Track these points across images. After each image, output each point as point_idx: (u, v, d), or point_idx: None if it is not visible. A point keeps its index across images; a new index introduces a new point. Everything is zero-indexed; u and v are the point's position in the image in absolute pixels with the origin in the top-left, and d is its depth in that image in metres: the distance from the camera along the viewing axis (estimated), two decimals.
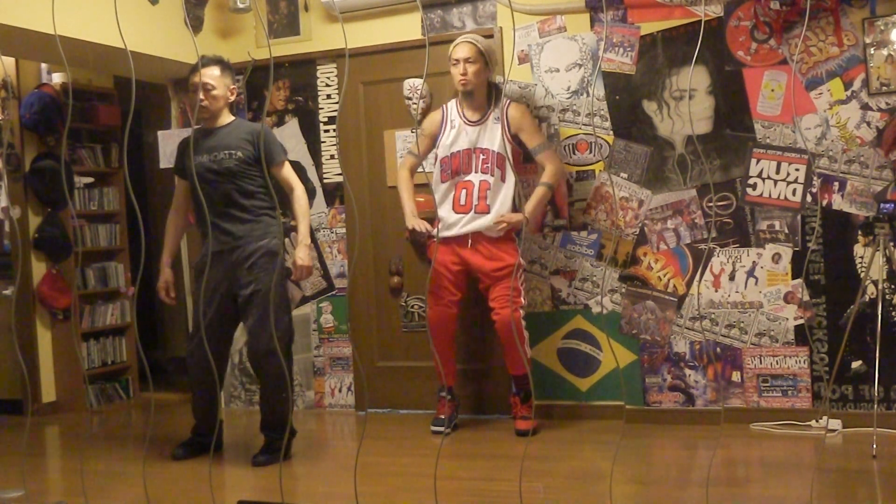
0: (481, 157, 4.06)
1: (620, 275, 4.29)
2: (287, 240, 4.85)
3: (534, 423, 4.04)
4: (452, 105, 4.20)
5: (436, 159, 4.20)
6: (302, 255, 3.82)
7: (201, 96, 3.76)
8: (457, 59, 4.04)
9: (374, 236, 4.79)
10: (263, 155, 3.73)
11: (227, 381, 5.09)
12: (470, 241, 4.05)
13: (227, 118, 3.90)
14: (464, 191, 4.07)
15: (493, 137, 4.04)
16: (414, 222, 4.15)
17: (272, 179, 3.87)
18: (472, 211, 4.05)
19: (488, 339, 4.48)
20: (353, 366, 4.82)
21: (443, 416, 4.19)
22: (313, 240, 4.87)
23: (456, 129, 4.12)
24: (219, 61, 3.87)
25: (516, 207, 4.05)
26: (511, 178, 4.03)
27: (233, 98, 3.92)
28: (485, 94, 4.12)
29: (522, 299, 4.10)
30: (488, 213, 4.03)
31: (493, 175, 4.04)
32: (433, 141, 4.22)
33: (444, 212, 4.10)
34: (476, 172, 4.06)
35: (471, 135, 4.09)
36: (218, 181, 3.77)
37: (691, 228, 4.17)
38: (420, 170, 4.49)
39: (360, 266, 4.81)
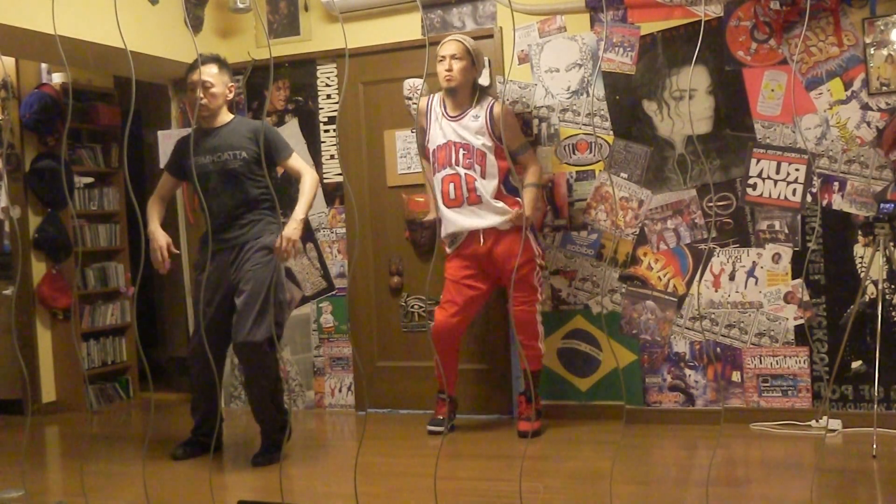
0: (462, 151, 4.02)
1: (620, 275, 4.28)
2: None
3: (536, 425, 4.04)
4: (436, 99, 4.16)
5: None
6: (289, 228, 3.69)
7: (200, 94, 3.73)
8: (443, 56, 4.03)
9: (374, 236, 4.79)
10: (266, 152, 3.70)
11: (227, 381, 5.09)
12: (482, 237, 4.00)
13: (226, 117, 3.87)
14: (451, 184, 4.02)
15: (471, 133, 4.01)
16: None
17: (283, 173, 3.77)
18: (465, 203, 3.99)
19: (489, 339, 4.49)
20: (353, 366, 4.82)
21: (441, 417, 4.20)
22: (312, 239, 4.87)
23: (437, 122, 4.11)
24: (216, 59, 3.85)
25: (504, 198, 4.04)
26: (493, 174, 3.98)
27: (231, 96, 3.89)
28: (468, 94, 4.08)
29: (539, 296, 4.08)
30: (481, 203, 3.97)
31: (474, 170, 3.99)
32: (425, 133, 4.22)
33: (441, 208, 4.09)
34: (459, 166, 4.02)
35: (449, 129, 4.06)
36: (221, 183, 3.74)
37: (691, 228, 4.17)
38: (420, 170, 4.50)
39: (360, 266, 4.81)
